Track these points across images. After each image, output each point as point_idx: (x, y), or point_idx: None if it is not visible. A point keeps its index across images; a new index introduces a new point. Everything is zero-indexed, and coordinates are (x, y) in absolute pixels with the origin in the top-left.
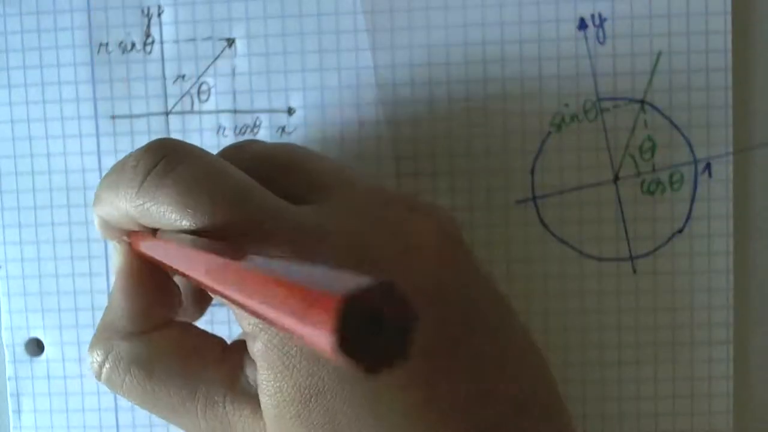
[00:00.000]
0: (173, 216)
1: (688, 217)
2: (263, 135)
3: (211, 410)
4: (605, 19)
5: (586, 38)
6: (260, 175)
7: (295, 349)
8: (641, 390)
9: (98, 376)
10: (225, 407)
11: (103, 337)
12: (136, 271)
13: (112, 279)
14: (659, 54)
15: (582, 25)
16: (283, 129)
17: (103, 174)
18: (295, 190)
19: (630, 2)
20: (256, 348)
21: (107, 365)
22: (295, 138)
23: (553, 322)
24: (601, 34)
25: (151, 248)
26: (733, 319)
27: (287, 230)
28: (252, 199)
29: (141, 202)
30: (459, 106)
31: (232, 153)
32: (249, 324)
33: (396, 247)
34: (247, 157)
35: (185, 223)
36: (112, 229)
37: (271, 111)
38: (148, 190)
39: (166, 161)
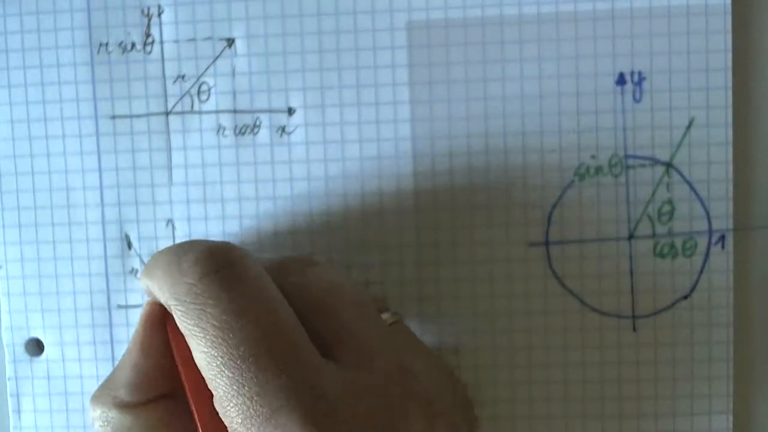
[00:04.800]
0: (212, 331)
1: (696, 286)
2: (263, 135)
3: None
4: (644, 78)
5: (623, 94)
6: (296, 306)
7: None
8: (641, 390)
9: (93, 425)
10: None
11: (103, 394)
12: (152, 345)
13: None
14: (692, 120)
15: (621, 80)
16: (283, 129)
17: (104, 176)
18: (324, 334)
19: (669, 60)
20: None
21: (98, 423)
22: (295, 138)
23: (554, 372)
24: (638, 91)
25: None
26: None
27: (304, 393)
28: (288, 347)
29: (187, 300)
30: (488, 143)
31: (278, 272)
32: None
33: None
34: (292, 281)
35: (217, 338)
36: (150, 295)
37: (271, 111)
38: (199, 293)
39: (226, 272)
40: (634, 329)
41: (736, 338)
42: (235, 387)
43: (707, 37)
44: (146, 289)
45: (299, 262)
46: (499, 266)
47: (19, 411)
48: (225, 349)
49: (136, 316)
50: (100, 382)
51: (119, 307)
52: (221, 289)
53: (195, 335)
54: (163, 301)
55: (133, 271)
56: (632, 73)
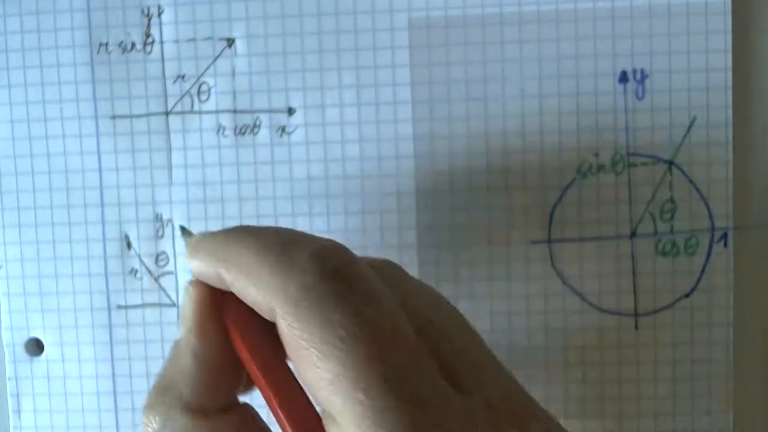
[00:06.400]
0: (339, 345)
1: (697, 284)
2: (263, 135)
3: None
4: (646, 76)
5: (625, 92)
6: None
7: None
8: (641, 390)
9: None
10: None
11: (163, 401)
12: (211, 334)
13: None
14: (693, 120)
15: (623, 78)
16: (283, 129)
17: (104, 176)
18: (434, 355)
19: (669, 60)
20: None
21: None
22: (295, 138)
23: (555, 372)
24: (640, 89)
25: (242, 329)
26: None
27: (430, 424)
28: (415, 376)
29: (305, 305)
30: (487, 143)
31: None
32: None
33: None
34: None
35: (342, 351)
36: (212, 281)
37: (271, 111)
38: (320, 297)
39: (347, 272)
40: (636, 327)
41: (736, 338)
42: (360, 410)
43: (707, 37)
44: (206, 273)
45: (389, 269)
46: (499, 266)
47: (19, 411)
48: (352, 366)
49: (135, 317)
50: (100, 382)
51: (119, 307)
52: (348, 293)
53: (313, 348)
54: (260, 300)
55: (133, 271)
56: (635, 71)
